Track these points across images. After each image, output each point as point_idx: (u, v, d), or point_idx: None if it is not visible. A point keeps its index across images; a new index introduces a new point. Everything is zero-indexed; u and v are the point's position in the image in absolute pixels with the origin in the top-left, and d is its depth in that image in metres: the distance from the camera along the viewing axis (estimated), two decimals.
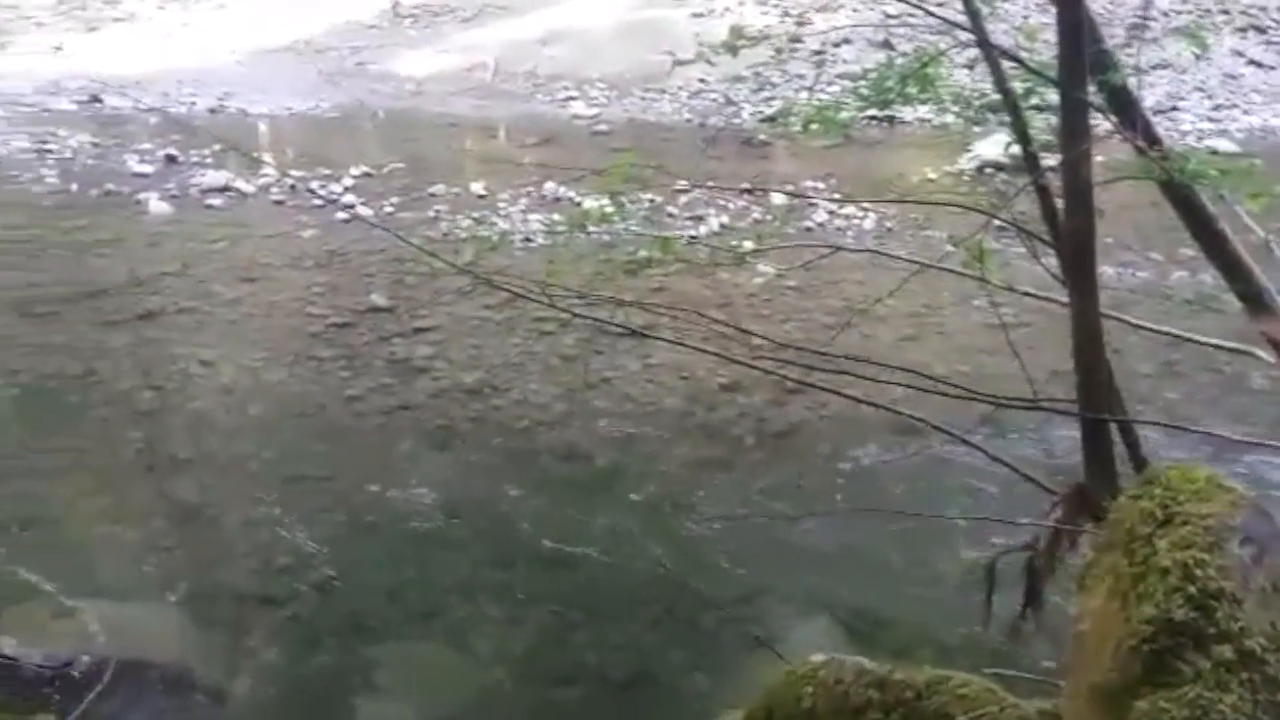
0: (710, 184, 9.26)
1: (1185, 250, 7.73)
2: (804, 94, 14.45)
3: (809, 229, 10.29)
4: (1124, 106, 3.49)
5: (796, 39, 15.98)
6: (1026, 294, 4.27)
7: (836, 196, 11.19)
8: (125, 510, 6.05)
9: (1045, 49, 3.54)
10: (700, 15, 17.46)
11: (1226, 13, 17.41)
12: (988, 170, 11.63)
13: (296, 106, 15.01)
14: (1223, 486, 1.78)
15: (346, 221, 10.26)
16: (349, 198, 11.12)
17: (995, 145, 10.15)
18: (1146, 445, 3.75)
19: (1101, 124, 3.42)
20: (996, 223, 3.95)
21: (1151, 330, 4.64)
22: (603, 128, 14.50)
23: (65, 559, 5.49)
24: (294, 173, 11.68)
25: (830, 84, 13.25)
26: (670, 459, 6.77)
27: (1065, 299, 3.38)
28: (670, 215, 10.46)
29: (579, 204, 9.60)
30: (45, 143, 12.65)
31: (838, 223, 10.63)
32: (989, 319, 5.41)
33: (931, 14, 4.04)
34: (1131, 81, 3.54)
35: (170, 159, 12.15)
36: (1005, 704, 2.05)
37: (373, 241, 9.62)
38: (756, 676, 2.79)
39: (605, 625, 5.31)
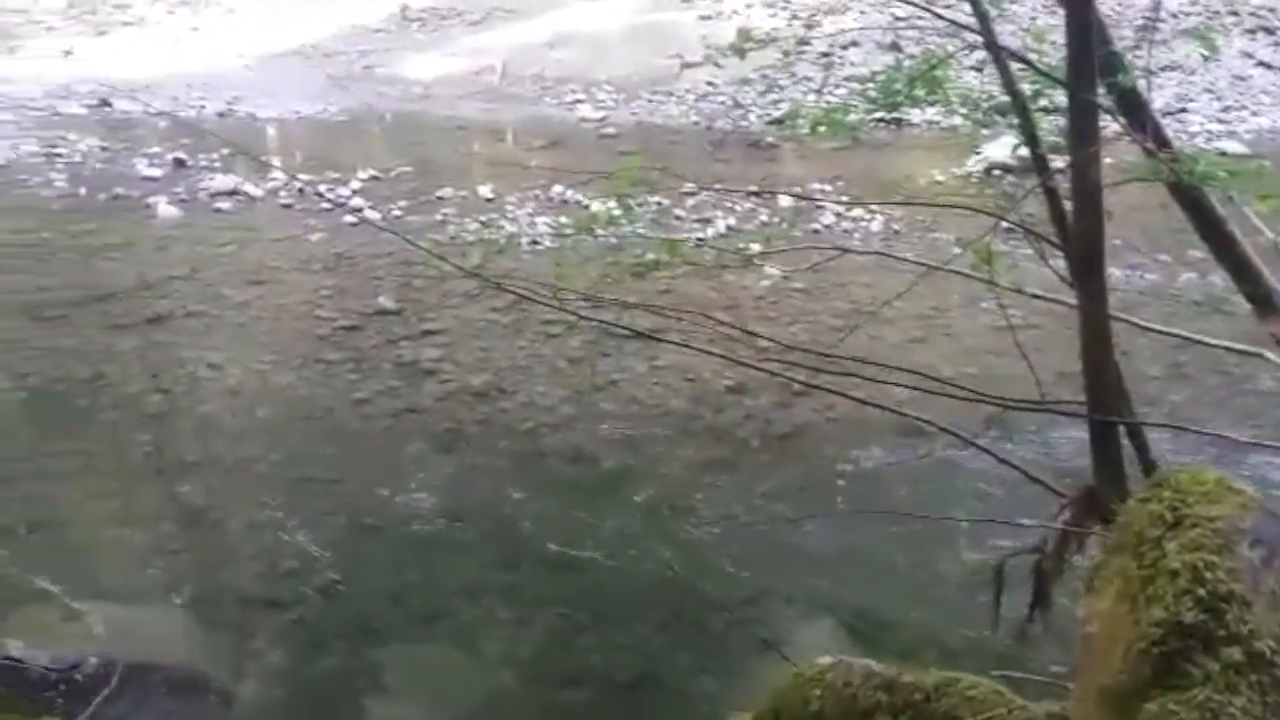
0: (717, 186, 9.24)
1: (1194, 252, 7.71)
2: (812, 96, 14.47)
3: (816, 231, 10.28)
4: (1133, 108, 3.48)
5: (804, 41, 15.99)
6: (1035, 296, 4.26)
7: (844, 199, 11.19)
8: (133, 513, 6.06)
9: (1054, 51, 3.54)
10: (708, 18, 17.47)
11: (1235, 14, 17.37)
12: (996, 172, 11.61)
13: (304, 110, 15.05)
14: (1232, 489, 1.78)
15: (354, 225, 10.29)
16: (357, 201, 11.14)
17: (1003, 147, 10.10)
18: (1155, 447, 3.74)
19: (1110, 126, 3.41)
20: (1005, 225, 3.93)
21: (1160, 332, 4.62)
22: (610, 130, 14.51)
23: (73, 561, 5.51)
24: (302, 176, 11.70)
25: (838, 86, 13.29)
26: (677, 461, 6.77)
27: (1073, 301, 3.37)
28: (677, 218, 10.47)
29: (586, 207, 9.61)
30: (55, 147, 12.69)
31: (845, 225, 10.63)
32: (997, 321, 5.41)
33: (940, 16, 4.03)
34: (1140, 83, 3.53)
35: (179, 163, 12.19)
36: (1014, 706, 2.05)
37: (380, 245, 9.63)
38: (764, 679, 2.78)
39: (612, 627, 5.30)
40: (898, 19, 13.32)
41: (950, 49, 3.93)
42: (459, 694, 4.99)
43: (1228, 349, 4.54)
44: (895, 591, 5.49)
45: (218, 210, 10.96)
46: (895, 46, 14.46)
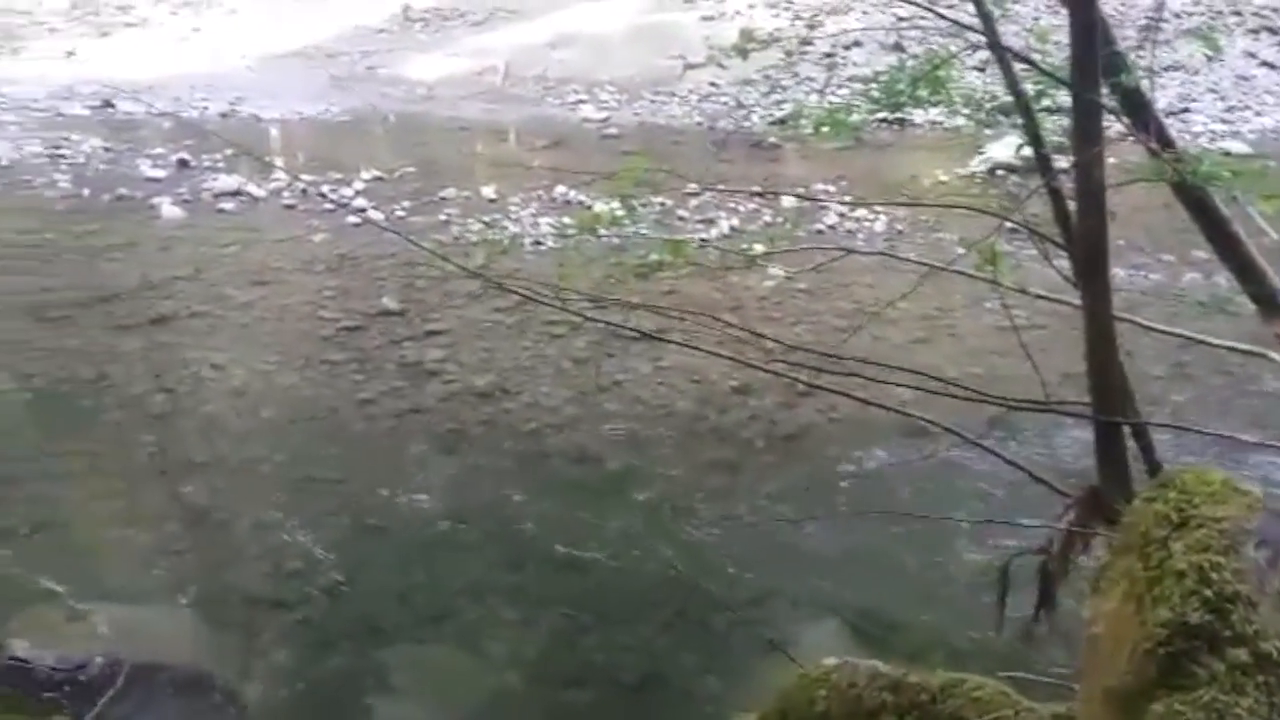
0: (721, 187, 9.23)
1: (1198, 252, 7.71)
2: (815, 97, 14.47)
3: (820, 232, 10.28)
4: (1137, 108, 3.47)
5: (807, 42, 15.97)
6: (1039, 296, 4.25)
7: (847, 199, 11.19)
8: (138, 513, 6.07)
9: (1057, 51, 3.54)
10: (710, 19, 17.47)
11: (1239, 14, 17.35)
12: (999, 172, 11.61)
13: (307, 111, 15.06)
14: (1238, 490, 1.77)
15: (357, 225, 10.29)
16: (360, 201, 11.16)
17: (1007, 147, 10.15)
18: (1159, 448, 3.73)
19: (1114, 126, 3.41)
20: (1008, 225, 3.94)
21: (1164, 332, 4.62)
22: (612, 131, 14.52)
23: (78, 562, 5.52)
24: (305, 177, 11.72)
25: (841, 87, 13.29)
26: (681, 462, 6.77)
27: (1078, 301, 3.37)
28: (681, 218, 10.47)
29: (589, 207, 9.60)
30: (58, 148, 12.71)
31: (848, 225, 10.63)
32: (1001, 321, 5.40)
33: (943, 16, 4.03)
34: (1144, 83, 3.53)
35: (182, 163, 12.20)
36: (1020, 707, 2.04)
37: (384, 245, 9.64)
38: (769, 680, 2.78)
39: (616, 628, 5.31)
40: (900, 19, 13.29)
41: (953, 49, 3.93)
42: (464, 694, 5.00)
43: (1232, 349, 4.53)
44: (900, 592, 5.49)
45: (221, 211, 10.97)
46: (898, 47, 14.46)
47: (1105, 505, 3.31)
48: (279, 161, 13.26)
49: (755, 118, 14.84)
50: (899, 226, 10.61)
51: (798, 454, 6.87)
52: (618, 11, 17.99)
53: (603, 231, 4.05)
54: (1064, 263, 3.62)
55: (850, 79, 14.94)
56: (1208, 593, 1.65)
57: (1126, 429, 3.50)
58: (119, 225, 10.44)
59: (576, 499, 6.32)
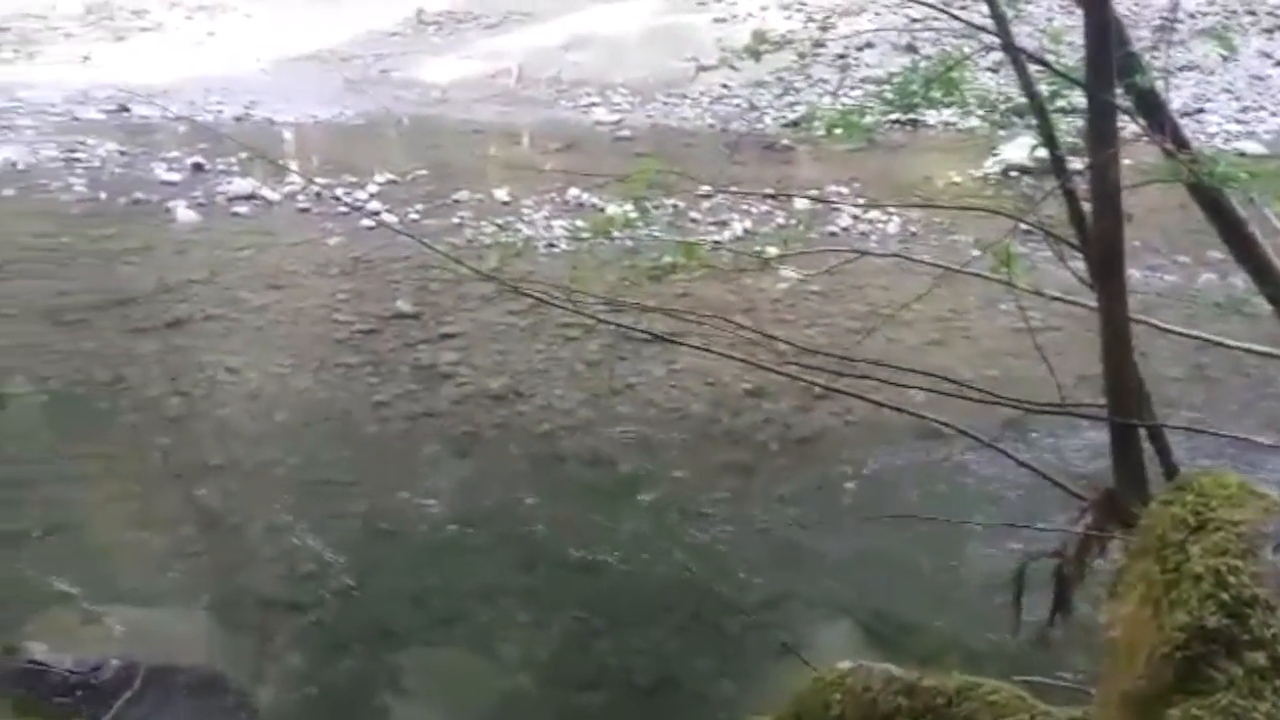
0: (733, 189, 9.22)
1: (1213, 253, 7.66)
2: (827, 98, 14.43)
3: (833, 234, 10.25)
4: (1152, 109, 3.46)
5: (819, 44, 15.94)
6: (1054, 298, 4.24)
7: (860, 201, 11.15)
8: (153, 516, 6.10)
9: (1071, 52, 3.52)
10: (723, 21, 17.46)
11: (1253, 14, 17.25)
12: (1013, 174, 11.56)
13: (321, 114, 15.11)
14: (1255, 493, 1.76)
15: (372, 228, 10.32)
16: (374, 204, 11.18)
17: (1021, 149, 10.07)
18: (1175, 450, 3.71)
19: (1129, 127, 3.39)
20: (1023, 226, 3.92)
21: (1180, 334, 4.60)
22: (625, 133, 14.52)
23: (93, 565, 5.54)
24: (319, 180, 11.74)
25: (854, 88, 13.25)
26: (694, 464, 6.77)
27: (1093, 303, 3.35)
28: (693, 221, 10.46)
29: (602, 209, 9.59)
30: (74, 151, 12.77)
31: (862, 227, 10.59)
32: (1016, 323, 5.40)
33: (956, 17, 4.03)
34: (1159, 84, 3.51)
35: (197, 167, 12.25)
36: (1036, 711, 2.03)
37: (398, 248, 9.65)
38: (783, 683, 2.78)
39: (629, 631, 5.31)
40: (913, 20, 13.29)
41: (967, 50, 3.92)
42: (476, 697, 5.00)
43: (1249, 351, 4.52)
44: (915, 595, 5.48)
45: (236, 214, 11.00)
46: (911, 48, 14.43)
47: (1121, 508, 3.29)
48: (293, 165, 13.28)
49: (768, 120, 14.82)
50: (913, 228, 10.58)
51: (811, 457, 6.86)
52: (630, 14, 18.00)
53: (616, 234, 4.05)
54: (1079, 264, 3.61)
55: (863, 80, 14.91)
56: (1225, 597, 1.64)
57: (1142, 431, 3.48)
58: (134, 229, 10.48)
59: (590, 501, 6.32)
